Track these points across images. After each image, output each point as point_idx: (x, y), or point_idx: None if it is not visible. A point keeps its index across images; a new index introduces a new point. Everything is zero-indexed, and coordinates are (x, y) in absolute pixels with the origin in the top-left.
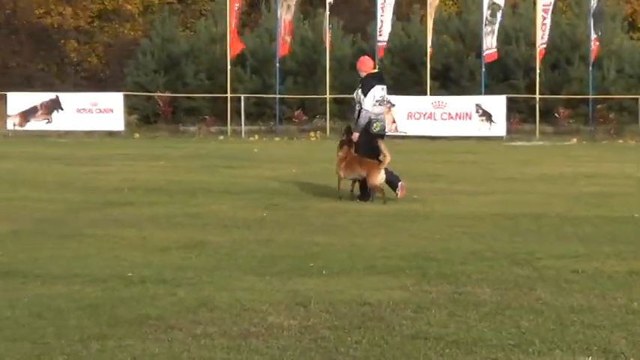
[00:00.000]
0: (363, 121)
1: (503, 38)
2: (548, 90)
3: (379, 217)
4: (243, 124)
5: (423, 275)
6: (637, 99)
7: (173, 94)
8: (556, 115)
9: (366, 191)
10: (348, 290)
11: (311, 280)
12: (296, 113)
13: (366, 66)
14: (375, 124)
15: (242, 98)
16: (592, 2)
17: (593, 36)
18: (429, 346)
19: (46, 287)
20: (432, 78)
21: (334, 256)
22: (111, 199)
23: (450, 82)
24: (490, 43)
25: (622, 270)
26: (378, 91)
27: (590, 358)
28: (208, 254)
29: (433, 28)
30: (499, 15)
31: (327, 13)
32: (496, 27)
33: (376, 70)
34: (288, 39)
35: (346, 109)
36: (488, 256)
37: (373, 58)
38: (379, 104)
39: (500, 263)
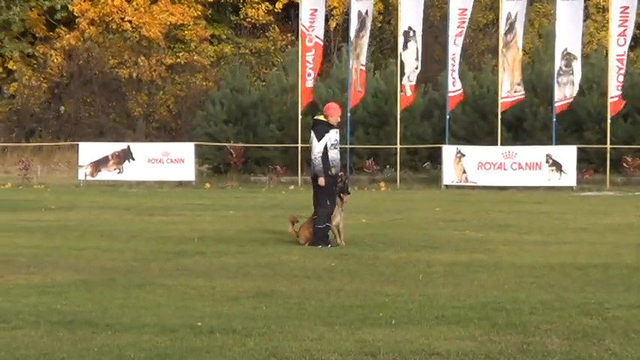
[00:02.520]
0: (318, 167)
1: (579, 86)
2: (619, 140)
3: (449, 266)
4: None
5: (492, 325)
6: None
7: (245, 144)
8: (626, 165)
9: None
10: (417, 340)
11: (380, 330)
12: (367, 163)
13: (337, 113)
14: (331, 169)
15: None
16: None
17: None
18: None
19: (115, 337)
20: (503, 128)
21: (403, 306)
22: (181, 249)
23: (521, 132)
24: (566, 94)
25: None
26: (333, 135)
27: None
28: (278, 304)
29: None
30: (575, 65)
31: (399, 63)
32: (575, 77)
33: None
34: (361, 89)
35: (417, 159)
36: (557, 306)
37: (444, 109)
38: (334, 148)
39: (569, 313)
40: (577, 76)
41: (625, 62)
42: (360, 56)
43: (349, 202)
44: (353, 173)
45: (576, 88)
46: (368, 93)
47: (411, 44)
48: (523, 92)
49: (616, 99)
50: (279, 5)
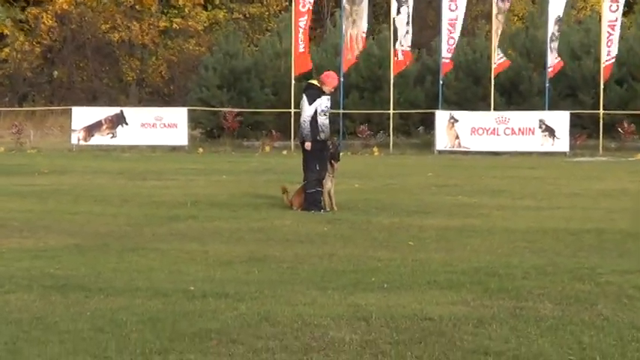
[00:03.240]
0: (306, 130)
1: (570, 53)
2: (613, 105)
3: (442, 232)
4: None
5: (485, 290)
6: None
7: (239, 109)
8: (620, 130)
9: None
10: (410, 305)
11: (372, 295)
12: (360, 128)
13: (333, 82)
14: (319, 134)
15: None
16: None
17: None
18: None
19: (108, 301)
20: (496, 93)
21: (396, 271)
22: (174, 213)
23: (515, 97)
24: (554, 57)
25: None
26: (324, 101)
27: None
28: (270, 268)
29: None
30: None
31: (392, 28)
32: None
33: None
34: (358, 52)
35: (410, 124)
36: (549, 271)
37: (437, 74)
38: (324, 114)
39: (561, 278)
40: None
41: (617, 27)
42: (357, 21)
43: (342, 167)
44: (346, 138)
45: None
46: (361, 57)
47: (403, 9)
48: (507, 58)
49: (608, 64)
50: None
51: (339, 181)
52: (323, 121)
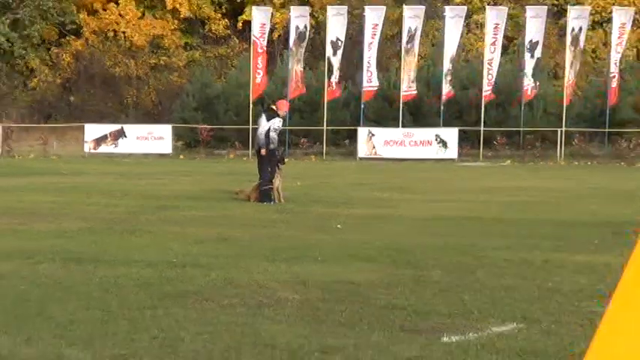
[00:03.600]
0: (261, 141)
1: (460, 84)
2: (491, 124)
3: (362, 219)
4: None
5: (393, 262)
6: (556, 131)
7: (211, 126)
8: (495, 142)
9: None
10: (337, 273)
11: (309, 265)
12: (301, 140)
13: (285, 108)
14: (269, 145)
15: None
16: (528, 56)
17: (529, 84)
18: (395, 314)
19: (112, 270)
20: (404, 114)
21: (327, 248)
22: (162, 204)
23: (418, 117)
24: (450, 88)
25: (540, 259)
26: (277, 122)
27: (515, 323)
28: (234, 245)
29: (409, 76)
30: (457, 66)
31: (327, 65)
32: (456, 77)
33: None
34: (301, 86)
35: (339, 138)
36: (441, 247)
37: (359, 99)
38: (275, 132)
39: (450, 253)
40: (457, 75)
41: (494, 64)
42: (301, 60)
43: (288, 170)
44: (291, 148)
45: (456, 84)
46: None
47: (337, 51)
48: (413, 88)
49: (488, 92)
50: (239, 24)
51: (284, 180)
52: (273, 135)
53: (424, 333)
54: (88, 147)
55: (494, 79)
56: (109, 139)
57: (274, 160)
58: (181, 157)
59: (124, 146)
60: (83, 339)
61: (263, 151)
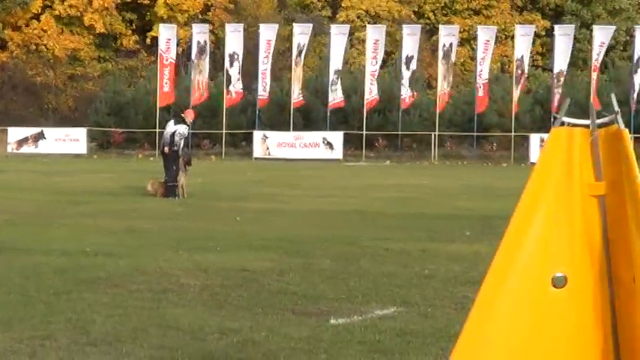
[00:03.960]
0: (167, 142)
1: (345, 93)
2: (372, 128)
3: (257, 212)
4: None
5: (285, 251)
6: (430, 135)
7: (122, 129)
8: (376, 145)
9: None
10: (234, 261)
11: (210, 254)
12: (203, 142)
13: (191, 117)
14: (174, 146)
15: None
16: (404, 68)
17: (406, 93)
18: (287, 299)
19: (31, 258)
20: (295, 119)
21: (225, 238)
22: (77, 199)
23: (307, 122)
24: (335, 97)
25: (417, 248)
26: (183, 128)
27: (395, 307)
28: (142, 236)
29: (298, 86)
30: (342, 78)
31: (226, 76)
32: (338, 86)
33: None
34: (205, 93)
35: (237, 140)
36: (328, 238)
37: (255, 106)
38: (180, 137)
39: (336, 243)
40: (342, 85)
41: (376, 75)
42: (203, 71)
43: (191, 169)
44: (193, 149)
45: (342, 93)
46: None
47: (235, 63)
48: (302, 97)
49: (370, 100)
50: (148, 40)
51: (189, 178)
52: (178, 139)
53: (313, 316)
54: (10, 148)
55: (375, 89)
56: (29, 140)
57: (178, 160)
58: (95, 157)
59: (43, 147)
60: (3, 321)
61: (166, 149)
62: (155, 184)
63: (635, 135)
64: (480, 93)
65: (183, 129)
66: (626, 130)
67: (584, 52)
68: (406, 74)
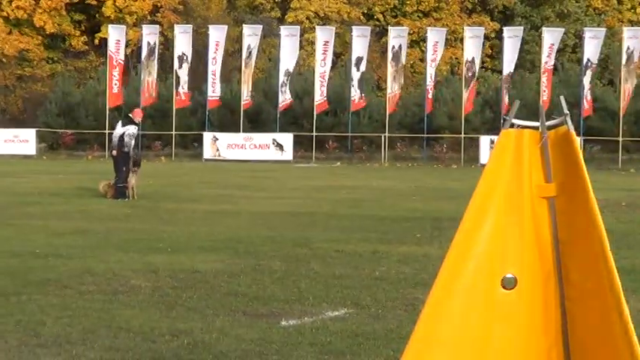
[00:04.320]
0: (116, 144)
1: (295, 95)
2: (324, 129)
3: (207, 213)
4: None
5: (235, 253)
6: (380, 136)
7: (72, 130)
8: (327, 146)
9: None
10: (185, 262)
11: (160, 256)
12: (154, 144)
13: (139, 116)
14: (124, 147)
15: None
16: (355, 70)
17: (356, 94)
18: (238, 300)
19: None
20: (245, 121)
21: (176, 240)
22: (26, 200)
23: (257, 123)
24: (286, 98)
25: (369, 250)
26: (132, 129)
27: (346, 308)
28: (91, 237)
29: (248, 88)
30: (292, 79)
31: (175, 77)
32: (292, 88)
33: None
34: (154, 94)
35: (187, 141)
36: (278, 240)
37: (205, 107)
38: (130, 137)
39: (286, 245)
40: (292, 86)
41: (326, 77)
42: (152, 72)
43: (141, 171)
44: (143, 150)
45: (292, 94)
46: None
47: (184, 64)
48: (250, 98)
49: (320, 102)
50: (96, 41)
51: (139, 179)
52: (128, 140)
53: (264, 317)
54: None
55: (325, 90)
56: None
57: (129, 162)
58: (44, 158)
59: None
60: None
61: (114, 152)
62: (106, 185)
63: (585, 137)
64: (430, 95)
65: (132, 129)
66: (574, 132)
67: (534, 54)
68: (356, 76)
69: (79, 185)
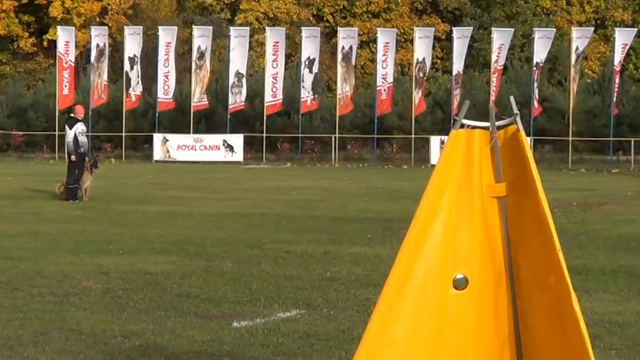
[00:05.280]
0: (70, 148)
1: (246, 97)
2: (274, 130)
3: (158, 215)
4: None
5: (186, 254)
6: (331, 137)
7: (22, 132)
8: (278, 147)
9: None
10: (136, 264)
11: (111, 258)
12: (105, 145)
13: (82, 112)
14: (80, 148)
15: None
16: (307, 71)
17: (308, 95)
18: (190, 302)
19: None
20: (195, 122)
21: (127, 241)
22: None
23: (208, 125)
24: (237, 100)
25: (319, 251)
26: (79, 126)
27: (298, 309)
28: (42, 240)
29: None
30: (243, 80)
31: (125, 79)
32: (243, 89)
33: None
34: (105, 96)
35: (138, 143)
36: (229, 241)
37: (155, 109)
38: (82, 135)
39: (238, 246)
40: (244, 87)
41: (279, 79)
42: (102, 74)
43: (97, 172)
44: (94, 152)
45: (244, 96)
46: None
47: (135, 66)
48: (205, 100)
49: (273, 103)
50: (45, 42)
51: (93, 181)
52: (82, 139)
53: (216, 319)
54: None
55: (277, 91)
56: None
57: (83, 163)
58: None
59: None
60: None
61: (73, 157)
62: (62, 186)
63: (535, 137)
64: (383, 96)
65: (80, 127)
66: (524, 132)
67: (484, 53)
68: (308, 77)
69: (30, 187)
